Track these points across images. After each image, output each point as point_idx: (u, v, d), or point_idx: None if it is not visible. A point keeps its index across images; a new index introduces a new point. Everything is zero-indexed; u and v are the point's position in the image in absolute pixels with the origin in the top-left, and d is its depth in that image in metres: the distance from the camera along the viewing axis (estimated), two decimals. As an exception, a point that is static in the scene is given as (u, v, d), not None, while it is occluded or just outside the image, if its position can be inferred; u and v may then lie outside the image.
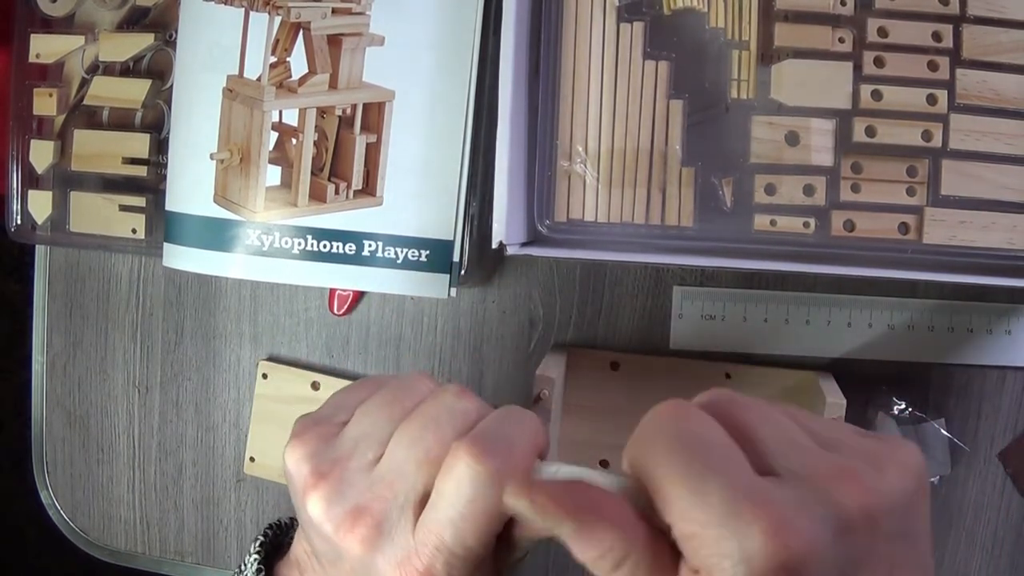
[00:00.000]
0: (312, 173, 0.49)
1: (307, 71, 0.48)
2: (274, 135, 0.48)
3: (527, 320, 0.57)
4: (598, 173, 0.45)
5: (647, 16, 0.45)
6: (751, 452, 0.27)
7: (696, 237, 0.45)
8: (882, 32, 0.44)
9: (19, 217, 0.56)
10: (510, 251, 0.43)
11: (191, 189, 0.49)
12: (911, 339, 0.54)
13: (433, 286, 0.49)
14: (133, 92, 0.55)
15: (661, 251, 0.45)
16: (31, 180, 0.56)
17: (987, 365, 0.54)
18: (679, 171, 0.45)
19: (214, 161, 0.49)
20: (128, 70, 0.55)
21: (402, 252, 0.48)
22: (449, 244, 0.49)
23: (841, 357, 0.55)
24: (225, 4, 0.48)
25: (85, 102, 0.55)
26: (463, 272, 0.49)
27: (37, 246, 0.61)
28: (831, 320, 0.54)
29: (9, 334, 1.34)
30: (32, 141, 0.56)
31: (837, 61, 0.44)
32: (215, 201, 0.49)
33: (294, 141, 0.48)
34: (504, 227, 0.42)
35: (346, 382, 0.57)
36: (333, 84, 0.48)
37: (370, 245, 0.48)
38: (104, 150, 0.55)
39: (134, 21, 0.55)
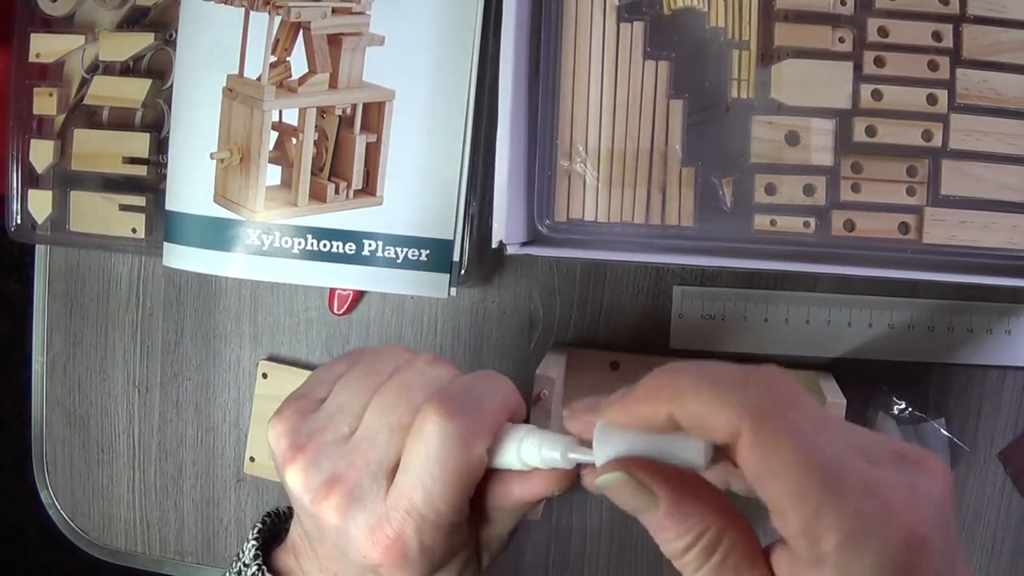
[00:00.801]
0: (312, 173, 0.49)
1: (307, 71, 0.48)
2: (274, 135, 0.48)
3: (527, 320, 0.57)
4: (598, 173, 0.45)
5: (647, 16, 0.45)
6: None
7: (696, 237, 0.45)
8: (882, 32, 0.44)
9: (19, 217, 0.56)
10: (510, 251, 0.43)
11: (191, 189, 0.49)
12: (911, 339, 0.54)
13: (433, 286, 0.49)
14: (133, 92, 0.55)
15: (661, 251, 0.45)
16: (31, 180, 0.56)
17: (987, 365, 0.54)
18: (679, 171, 0.45)
19: (214, 161, 0.49)
20: (128, 70, 0.55)
21: (402, 252, 0.49)
22: (449, 244, 0.49)
23: (841, 357, 0.55)
24: (225, 4, 0.48)
25: (85, 102, 0.55)
26: (463, 272, 0.49)
27: (37, 246, 0.61)
28: (831, 320, 0.54)
29: (9, 334, 1.34)
30: (32, 141, 0.56)
31: (837, 61, 0.44)
32: (215, 201, 0.49)
33: (294, 141, 0.48)
34: (504, 227, 0.42)
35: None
36: (333, 84, 0.48)
37: (370, 245, 0.48)
38: (104, 150, 0.55)
39: (134, 21, 0.55)
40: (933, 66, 0.44)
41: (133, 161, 0.55)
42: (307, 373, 0.58)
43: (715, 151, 0.45)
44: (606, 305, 0.56)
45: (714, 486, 0.28)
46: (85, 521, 0.63)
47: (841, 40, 0.44)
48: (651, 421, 0.28)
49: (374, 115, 0.48)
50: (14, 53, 0.55)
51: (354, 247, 0.49)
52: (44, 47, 0.55)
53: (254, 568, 0.37)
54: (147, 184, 0.55)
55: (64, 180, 0.56)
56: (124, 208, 0.55)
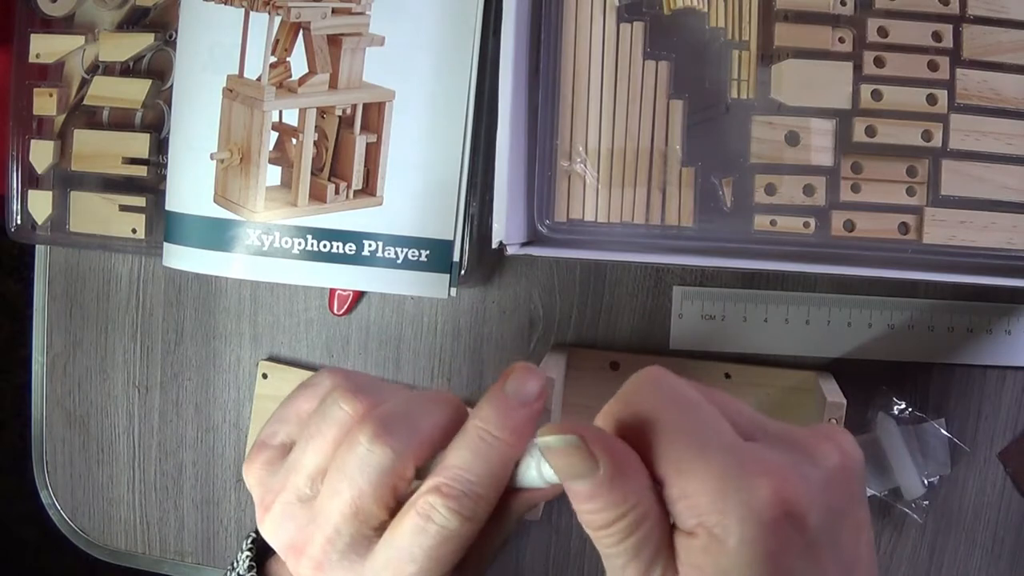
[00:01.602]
0: (312, 173, 0.49)
1: (307, 71, 0.48)
2: (274, 135, 0.48)
3: (527, 320, 0.57)
4: (598, 173, 0.45)
5: (647, 16, 0.45)
6: (727, 415, 0.28)
7: (696, 237, 0.45)
8: (882, 32, 0.44)
9: (19, 217, 0.56)
10: (510, 251, 0.43)
11: (191, 189, 0.49)
12: (911, 339, 0.54)
13: (433, 286, 0.49)
14: (133, 92, 0.55)
15: (661, 251, 0.45)
16: (31, 180, 0.56)
17: (987, 365, 0.54)
18: (679, 171, 0.45)
19: (214, 161, 0.49)
20: (128, 70, 0.55)
21: (402, 252, 0.49)
22: (449, 244, 0.49)
23: (841, 357, 0.55)
24: (225, 4, 0.48)
25: (85, 102, 0.55)
26: (463, 272, 0.49)
27: (37, 246, 0.61)
28: (831, 320, 0.54)
29: (9, 334, 1.35)
30: (32, 141, 0.56)
31: (837, 61, 0.44)
32: (215, 201, 0.49)
33: (294, 141, 0.48)
34: (504, 227, 0.42)
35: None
36: (333, 84, 0.48)
37: (370, 245, 0.48)
38: (104, 150, 0.55)
39: (134, 21, 0.55)
40: (933, 66, 0.44)
41: (133, 161, 0.55)
42: (307, 373, 0.58)
43: (715, 151, 0.45)
44: (606, 305, 0.56)
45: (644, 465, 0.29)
46: (85, 521, 0.63)
47: (841, 40, 0.44)
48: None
49: (374, 115, 0.48)
50: (14, 53, 0.55)
51: (354, 247, 0.49)
52: (44, 47, 0.55)
53: None
54: (147, 184, 0.55)
55: (64, 180, 0.56)
56: (124, 208, 0.55)
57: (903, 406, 0.54)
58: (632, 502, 0.27)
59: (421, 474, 0.33)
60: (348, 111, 0.48)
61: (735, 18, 0.44)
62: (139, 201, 0.55)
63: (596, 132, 0.45)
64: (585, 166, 0.45)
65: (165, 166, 0.52)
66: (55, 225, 0.56)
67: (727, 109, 0.45)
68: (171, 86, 0.52)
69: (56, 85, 0.55)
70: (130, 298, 0.61)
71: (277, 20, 0.48)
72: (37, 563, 1.38)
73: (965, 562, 0.55)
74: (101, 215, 0.56)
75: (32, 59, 0.55)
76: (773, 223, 0.45)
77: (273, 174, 0.49)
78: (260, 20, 0.48)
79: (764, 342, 0.55)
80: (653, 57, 0.45)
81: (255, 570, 0.37)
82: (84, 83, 0.55)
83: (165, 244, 0.51)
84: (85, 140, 0.55)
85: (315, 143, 0.49)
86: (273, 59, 0.48)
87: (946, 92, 0.44)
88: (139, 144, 0.55)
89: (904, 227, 0.44)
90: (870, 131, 0.44)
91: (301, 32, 0.48)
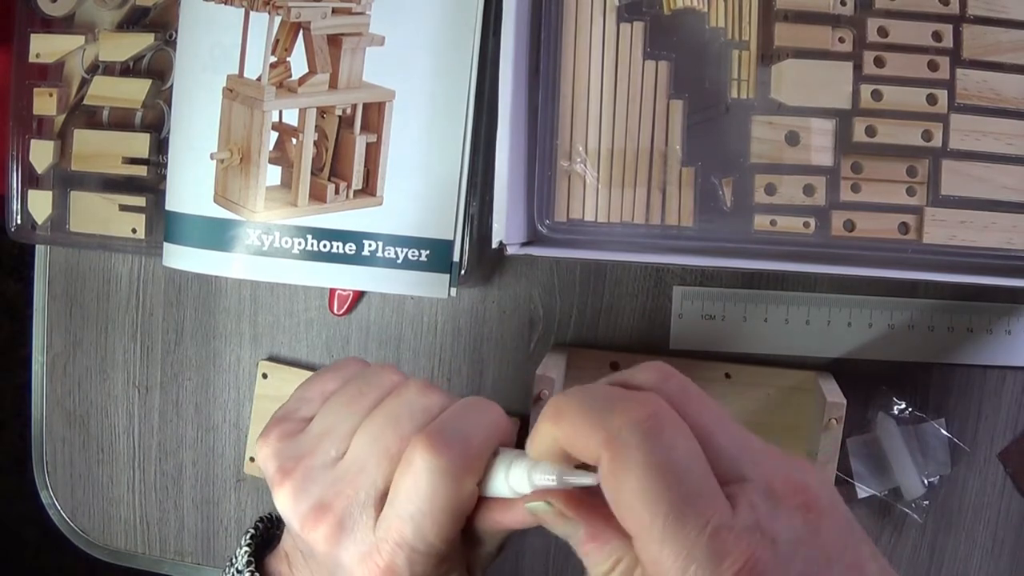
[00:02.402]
0: (312, 173, 0.49)
1: (307, 71, 0.48)
2: (274, 135, 0.48)
3: (527, 320, 0.57)
4: (598, 173, 0.45)
5: (647, 16, 0.45)
6: (710, 454, 0.27)
7: (696, 237, 0.45)
8: (882, 32, 0.44)
9: (19, 217, 0.56)
10: (510, 251, 0.43)
11: (191, 189, 0.49)
12: (911, 339, 0.54)
13: (433, 286, 0.49)
14: (133, 92, 0.55)
15: (661, 251, 0.45)
16: (31, 180, 0.56)
17: (987, 365, 0.54)
18: (679, 171, 0.45)
19: (214, 161, 0.49)
20: (128, 70, 0.55)
21: (402, 252, 0.49)
22: (449, 244, 0.49)
23: (841, 357, 0.55)
24: (225, 4, 0.48)
25: (85, 102, 0.55)
26: (463, 272, 0.49)
27: (37, 246, 0.61)
28: (831, 320, 0.54)
29: (9, 334, 1.35)
30: (32, 141, 0.56)
31: (837, 61, 0.44)
32: (215, 201, 0.49)
33: (294, 141, 0.48)
34: (504, 227, 0.42)
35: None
36: (333, 84, 0.48)
37: (370, 245, 0.48)
38: (104, 150, 0.55)
39: (134, 21, 0.55)
40: (933, 66, 0.44)
41: (133, 161, 0.55)
42: (307, 373, 0.58)
43: (715, 151, 0.45)
44: (606, 305, 0.56)
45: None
46: (85, 521, 0.63)
47: (841, 40, 0.44)
48: (550, 447, 0.29)
49: (374, 115, 0.48)
50: (14, 53, 0.55)
51: (354, 247, 0.49)
52: (44, 47, 0.55)
53: (246, 574, 0.37)
54: (147, 184, 0.55)
55: (64, 180, 0.56)
56: (124, 208, 0.55)
57: (903, 406, 0.54)
58: (618, 554, 0.28)
59: None
60: (348, 111, 0.48)
61: (735, 18, 0.44)
62: (139, 201, 0.55)
63: (596, 132, 0.45)
64: (585, 166, 0.45)
65: (165, 166, 0.52)
66: (55, 225, 0.56)
67: (727, 109, 0.45)
68: (171, 86, 0.52)
69: (56, 85, 0.55)
70: (130, 298, 0.61)
71: (277, 20, 0.48)
72: (37, 563, 1.38)
73: (965, 562, 0.55)
74: (101, 215, 0.56)
75: (32, 59, 0.55)
76: (773, 223, 0.45)
77: (273, 174, 0.49)
78: (260, 20, 0.48)
79: (764, 342, 0.55)
80: (653, 57, 0.45)
81: (253, 565, 0.37)
82: (84, 83, 0.55)
83: (165, 244, 0.51)
84: (85, 140, 0.55)
85: (315, 143, 0.49)
86: (273, 59, 0.48)
87: (946, 92, 0.44)
88: (139, 144, 0.55)
89: (904, 227, 0.44)
90: (870, 131, 0.44)
91: (301, 32, 0.48)
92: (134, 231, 0.55)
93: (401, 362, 0.58)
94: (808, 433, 0.52)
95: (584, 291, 0.56)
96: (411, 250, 0.48)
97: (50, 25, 0.55)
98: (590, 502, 0.29)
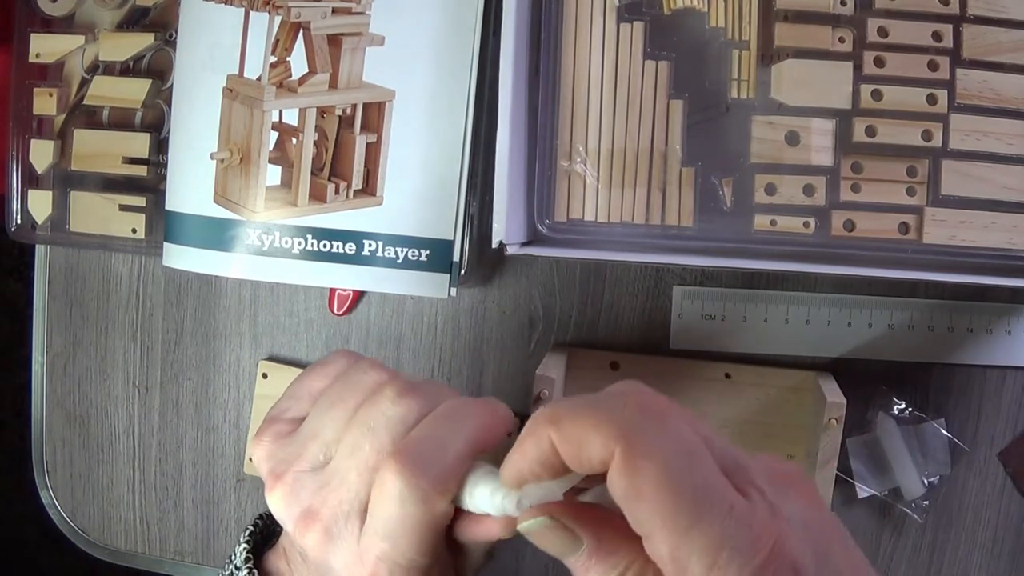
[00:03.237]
0: (312, 173, 0.49)
1: (307, 71, 0.48)
2: (274, 135, 0.48)
3: (527, 320, 0.57)
4: (598, 173, 0.45)
5: (647, 16, 0.45)
6: (710, 448, 0.27)
7: (696, 237, 0.45)
8: (882, 32, 0.44)
9: (19, 217, 0.56)
10: (510, 251, 0.43)
11: (191, 189, 0.49)
12: (911, 339, 0.54)
13: (433, 286, 0.49)
14: (133, 92, 0.55)
15: (661, 251, 0.45)
16: (31, 180, 0.56)
17: (987, 365, 0.54)
18: (679, 171, 0.45)
19: (214, 161, 0.49)
20: (128, 70, 0.55)
21: (402, 252, 0.49)
22: (449, 244, 0.49)
23: (841, 357, 0.55)
24: (225, 4, 0.48)
25: (85, 102, 0.55)
26: (463, 272, 0.49)
27: (37, 246, 0.61)
28: (831, 320, 0.54)
29: (9, 334, 1.35)
30: (32, 141, 0.56)
31: (837, 61, 0.44)
32: (215, 201, 0.49)
33: (294, 141, 0.48)
34: (504, 227, 0.42)
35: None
36: (333, 84, 0.48)
37: (370, 245, 0.48)
38: (104, 150, 0.55)
39: (134, 21, 0.55)
40: (933, 66, 0.44)
41: (133, 161, 0.55)
42: (307, 373, 0.58)
43: (715, 151, 0.45)
44: (606, 305, 0.56)
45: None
46: (85, 521, 0.63)
47: (841, 40, 0.44)
48: (542, 459, 0.28)
49: (374, 115, 0.48)
50: (14, 53, 0.55)
51: (354, 247, 0.49)
52: (44, 47, 0.55)
53: (245, 571, 0.37)
54: (147, 184, 0.55)
55: (64, 180, 0.56)
56: (124, 208, 0.55)
57: (903, 406, 0.54)
58: (626, 561, 0.27)
59: None
60: (348, 111, 0.48)
61: (735, 18, 0.44)
62: (139, 201, 0.55)
63: (596, 132, 0.45)
64: (585, 166, 0.45)
65: (165, 166, 0.52)
66: (55, 225, 0.56)
67: (727, 109, 0.45)
68: (171, 86, 0.52)
69: (56, 85, 0.55)
70: (130, 298, 0.61)
71: (277, 20, 0.48)
72: (37, 563, 1.38)
73: (965, 562, 0.55)
74: (101, 215, 0.56)
75: (32, 59, 0.55)
76: (773, 223, 0.45)
77: (273, 174, 0.49)
78: (260, 20, 0.48)
79: (764, 342, 0.55)
80: (653, 57, 0.45)
81: (252, 562, 0.37)
82: (84, 83, 0.55)
83: (165, 244, 0.51)
84: (85, 140, 0.55)
85: (315, 143, 0.49)
86: (273, 59, 0.48)
87: (946, 92, 0.44)
88: (139, 144, 0.55)
89: (904, 227, 0.44)
90: (870, 131, 0.44)
91: (301, 32, 0.48)
92: (134, 231, 0.55)
93: (401, 362, 0.58)
94: (808, 433, 0.52)
95: (584, 291, 0.56)
96: (411, 250, 0.48)
97: (50, 25, 0.55)
98: (591, 512, 0.28)
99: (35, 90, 0.55)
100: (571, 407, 0.27)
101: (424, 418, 0.33)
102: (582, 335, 0.56)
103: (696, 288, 0.55)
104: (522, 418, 0.57)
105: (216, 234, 0.49)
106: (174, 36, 0.54)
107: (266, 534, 0.40)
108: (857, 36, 0.44)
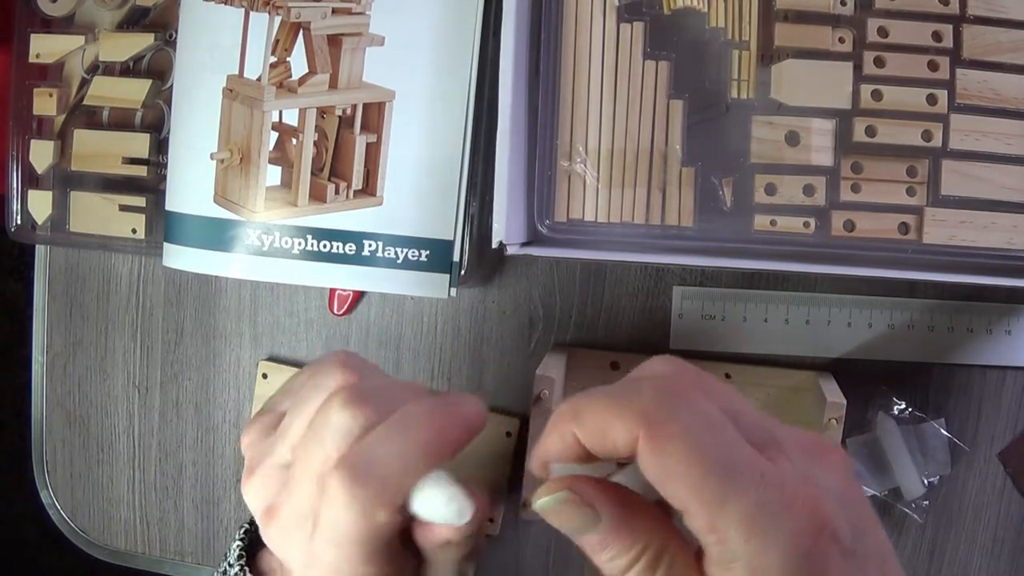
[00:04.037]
0: (312, 173, 0.49)
1: (307, 71, 0.48)
2: (274, 135, 0.48)
3: (527, 320, 0.57)
4: (598, 173, 0.45)
5: (647, 16, 0.45)
6: (740, 421, 0.27)
7: (696, 237, 0.45)
8: (882, 32, 0.44)
9: (19, 217, 0.56)
10: (510, 251, 0.43)
11: (191, 189, 0.49)
12: (911, 339, 0.54)
13: (433, 286, 0.49)
14: (133, 92, 0.55)
15: (661, 251, 0.45)
16: (31, 180, 0.56)
17: (987, 365, 0.54)
18: (679, 171, 0.45)
19: (214, 161, 0.49)
20: (128, 70, 0.55)
21: (402, 252, 0.49)
22: (449, 244, 0.49)
23: (841, 357, 0.55)
24: (225, 4, 0.48)
25: (85, 102, 0.55)
26: (463, 272, 0.49)
27: (37, 246, 0.61)
28: (831, 320, 0.54)
29: (9, 334, 1.35)
30: (32, 141, 0.56)
31: (837, 61, 0.44)
32: (215, 201, 0.49)
33: (294, 141, 0.48)
34: (504, 227, 0.42)
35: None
36: (333, 84, 0.48)
37: (370, 245, 0.48)
38: (104, 150, 0.55)
39: (134, 21, 0.55)
40: (933, 66, 0.44)
41: (133, 161, 0.55)
42: (307, 373, 0.58)
43: (715, 151, 0.45)
44: (606, 305, 0.56)
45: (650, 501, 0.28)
46: (85, 521, 0.63)
47: (841, 40, 0.44)
48: (564, 450, 0.28)
49: (374, 115, 0.48)
50: (14, 53, 0.55)
51: (354, 247, 0.49)
52: (44, 47, 0.55)
53: (237, 568, 0.37)
54: (147, 184, 0.55)
55: (64, 180, 0.56)
56: (124, 208, 0.55)
57: (903, 406, 0.54)
58: (644, 541, 0.27)
59: None
60: (348, 111, 0.48)
61: (735, 18, 0.44)
62: (139, 201, 0.55)
63: (596, 132, 0.45)
64: (585, 166, 0.45)
65: (165, 166, 0.52)
66: (55, 225, 0.56)
67: (727, 109, 0.45)
68: (171, 86, 0.52)
69: (56, 85, 0.55)
70: (130, 298, 0.61)
71: (277, 20, 0.48)
72: (37, 563, 1.38)
73: (965, 562, 0.55)
74: (101, 215, 0.56)
75: (32, 59, 0.55)
76: (773, 223, 0.45)
77: (273, 174, 0.49)
78: (260, 20, 0.48)
79: (764, 342, 0.55)
80: (653, 57, 0.45)
81: (244, 559, 0.38)
82: (84, 83, 0.55)
83: (165, 244, 0.51)
84: (85, 140, 0.55)
85: (315, 143, 0.49)
86: (273, 59, 0.48)
87: (946, 92, 0.44)
88: (139, 144, 0.55)
89: (904, 227, 0.44)
90: (870, 131, 0.44)
91: (301, 32, 0.48)
92: (134, 231, 0.55)
93: (401, 362, 0.58)
94: (808, 433, 0.52)
95: (584, 291, 0.56)
96: (411, 250, 0.48)
97: (50, 25, 0.55)
98: (612, 488, 0.28)
99: (35, 90, 0.55)
100: (590, 400, 0.28)
101: (376, 426, 0.33)
102: (582, 335, 0.56)
103: (696, 288, 0.55)
104: (522, 418, 0.58)
105: (216, 234, 0.49)
106: (174, 36, 0.54)
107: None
108: (857, 36, 0.44)
